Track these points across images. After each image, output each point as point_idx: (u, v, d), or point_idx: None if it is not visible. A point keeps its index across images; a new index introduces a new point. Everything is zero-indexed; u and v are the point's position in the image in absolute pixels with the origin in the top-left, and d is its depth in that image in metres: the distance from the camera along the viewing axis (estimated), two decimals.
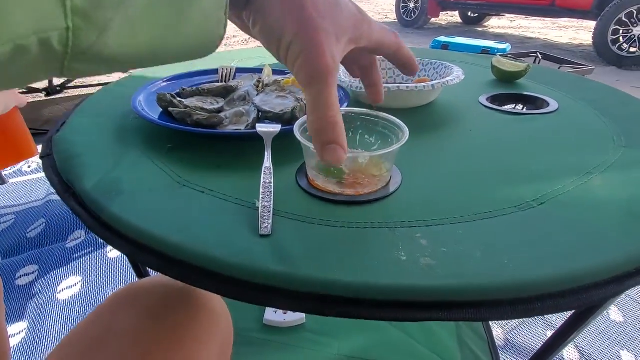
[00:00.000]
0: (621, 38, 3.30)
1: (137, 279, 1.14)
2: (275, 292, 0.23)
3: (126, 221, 0.27)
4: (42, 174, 1.51)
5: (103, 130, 0.42)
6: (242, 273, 0.23)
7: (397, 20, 5.63)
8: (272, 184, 0.31)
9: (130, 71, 0.66)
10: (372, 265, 0.24)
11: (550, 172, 0.36)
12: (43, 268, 1.09)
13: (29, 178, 1.50)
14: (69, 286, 1.03)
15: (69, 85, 1.76)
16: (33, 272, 1.08)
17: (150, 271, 0.83)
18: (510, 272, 0.23)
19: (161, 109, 0.45)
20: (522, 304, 0.21)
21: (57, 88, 1.71)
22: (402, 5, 5.35)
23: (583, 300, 0.22)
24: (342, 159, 0.23)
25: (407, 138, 0.31)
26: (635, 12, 3.16)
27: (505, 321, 0.90)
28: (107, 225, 0.28)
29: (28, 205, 1.35)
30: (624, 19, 3.22)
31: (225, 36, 0.20)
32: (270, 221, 0.27)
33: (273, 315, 0.73)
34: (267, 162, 0.34)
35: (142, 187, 0.32)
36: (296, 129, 0.32)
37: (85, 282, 1.04)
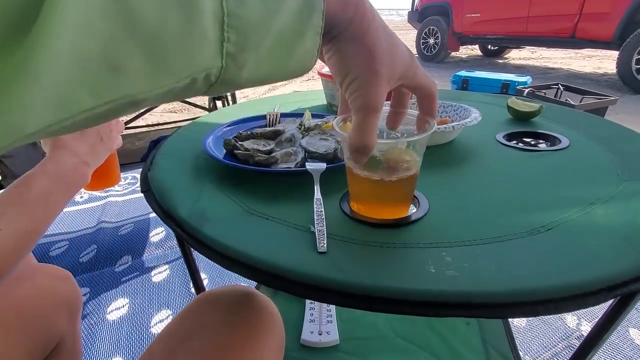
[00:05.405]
0: None
1: (180, 298, 1.21)
2: (335, 293, 0.30)
3: (217, 241, 0.36)
4: (93, 204, 1.65)
5: (183, 169, 0.52)
6: (310, 280, 0.31)
7: (417, 55, 5.84)
8: (323, 212, 0.39)
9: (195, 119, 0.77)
10: (409, 275, 0.31)
11: (558, 202, 0.42)
12: (94, 290, 1.19)
13: (81, 207, 1.63)
14: (117, 307, 1.12)
15: None
16: (85, 294, 1.18)
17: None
18: (517, 283, 0.29)
19: (225, 151, 0.55)
20: (526, 306, 0.28)
21: None
22: (422, 41, 5.56)
23: (574, 305, 0.28)
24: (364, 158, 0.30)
25: (433, 128, 0.35)
26: None
27: (534, 350, 0.91)
28: (203, 243, 0.36)
29: (80, 233, 1.47)
30: None
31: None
32: (325, 241, 0.35)
33: (309, 335, 0.79)
34: (317, 194, 0.42)
35: (222, 214, 0.41)
36: (336, 123, 0.36)
37: (132, 304, 1.13)
